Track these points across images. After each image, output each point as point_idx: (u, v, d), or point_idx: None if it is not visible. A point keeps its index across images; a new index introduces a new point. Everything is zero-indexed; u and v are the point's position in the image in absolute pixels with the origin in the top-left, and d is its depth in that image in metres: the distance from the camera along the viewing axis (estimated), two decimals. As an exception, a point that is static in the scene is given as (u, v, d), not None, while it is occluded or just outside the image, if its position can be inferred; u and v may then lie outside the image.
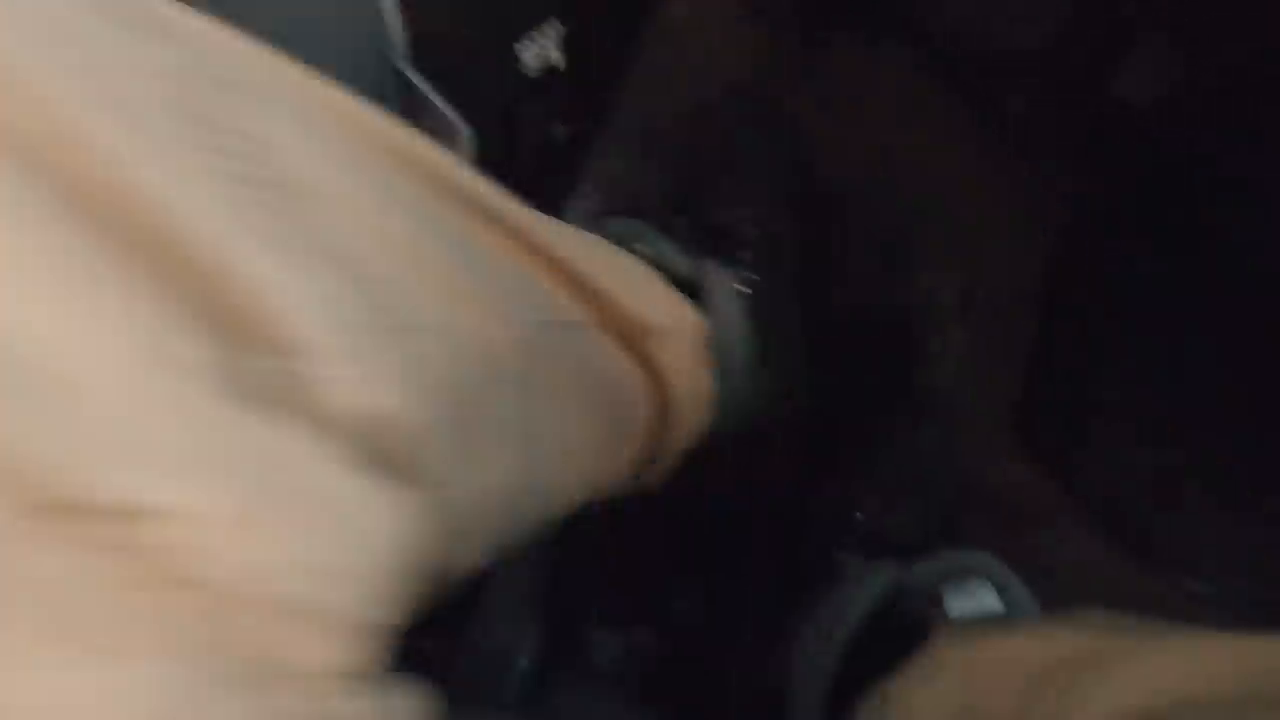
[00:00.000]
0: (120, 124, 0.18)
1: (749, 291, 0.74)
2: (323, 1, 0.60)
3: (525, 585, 0.58)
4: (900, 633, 0.53)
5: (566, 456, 0.39)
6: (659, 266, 0.63)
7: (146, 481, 0.16)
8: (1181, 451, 1.03)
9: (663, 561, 0.73)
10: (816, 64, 1.05)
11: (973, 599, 0.55)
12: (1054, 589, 0.64)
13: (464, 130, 0.68)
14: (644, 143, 1.12)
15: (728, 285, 0.68)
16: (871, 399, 1.04)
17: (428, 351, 0.25)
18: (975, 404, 1.05)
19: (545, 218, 0.44)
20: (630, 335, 0.45)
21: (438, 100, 0.67)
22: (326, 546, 0.18)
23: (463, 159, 0.67)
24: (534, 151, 0.93)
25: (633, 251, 0.62)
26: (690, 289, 0.62)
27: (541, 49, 0.80)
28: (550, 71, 0.85)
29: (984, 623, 0.55)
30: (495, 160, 0.93)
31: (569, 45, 0.84)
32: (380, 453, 0.21)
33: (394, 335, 0.23)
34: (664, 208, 0.99)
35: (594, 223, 0.83)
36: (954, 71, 1.01)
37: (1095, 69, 1.01)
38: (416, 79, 0.66)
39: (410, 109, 0.72)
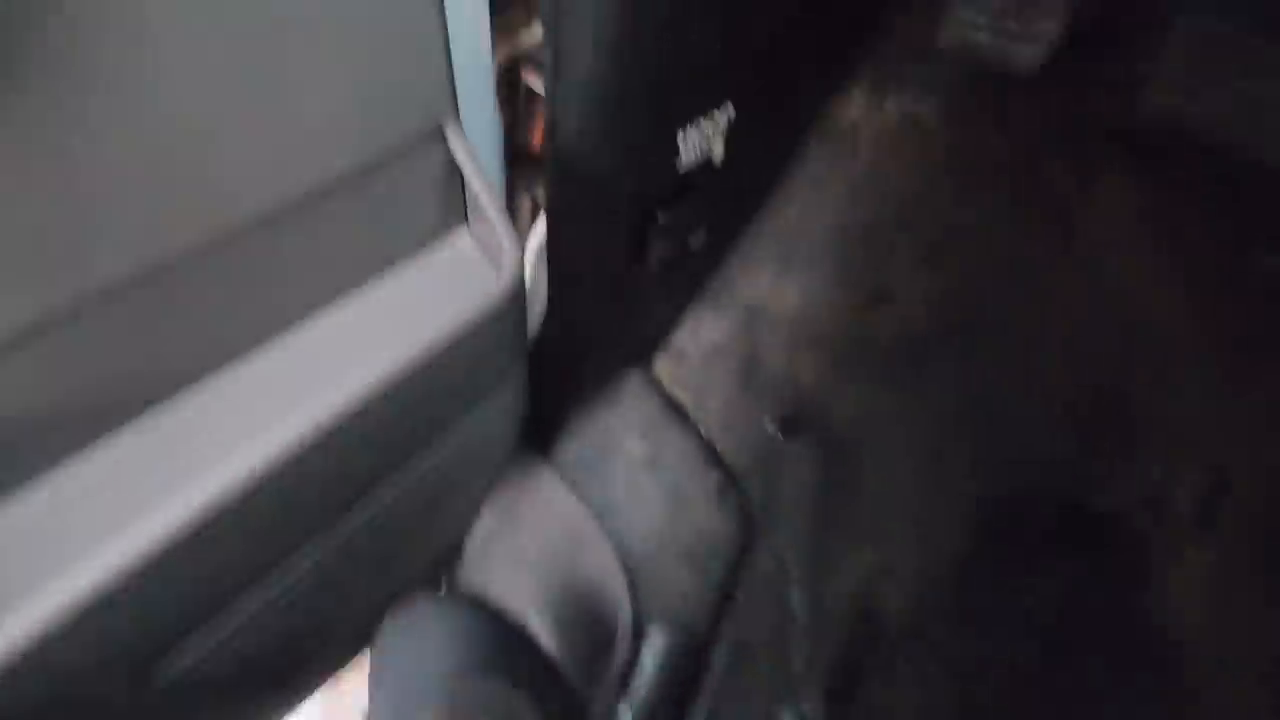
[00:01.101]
0: None
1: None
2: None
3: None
4: None
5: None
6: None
7: None
8: None
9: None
10: (1020, 183, 0.86)
11: None
12: None
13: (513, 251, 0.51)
14: (784, 260, 0.95)
15: None
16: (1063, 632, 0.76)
17: None
18: (1222, 657, 0.76)
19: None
20: None
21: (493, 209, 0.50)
22: None
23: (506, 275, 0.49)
24: (665, 259, 0.76)
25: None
26: None
27: (704, 138, 0.64)
28: (705, 167, 0.68)
29: None
30: (620, 264, 0.78)
31: (734, 136, 0.68)
32: None
33: None
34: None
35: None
36: (1203, 209, 0.80)
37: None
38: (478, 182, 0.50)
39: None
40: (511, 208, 0.94)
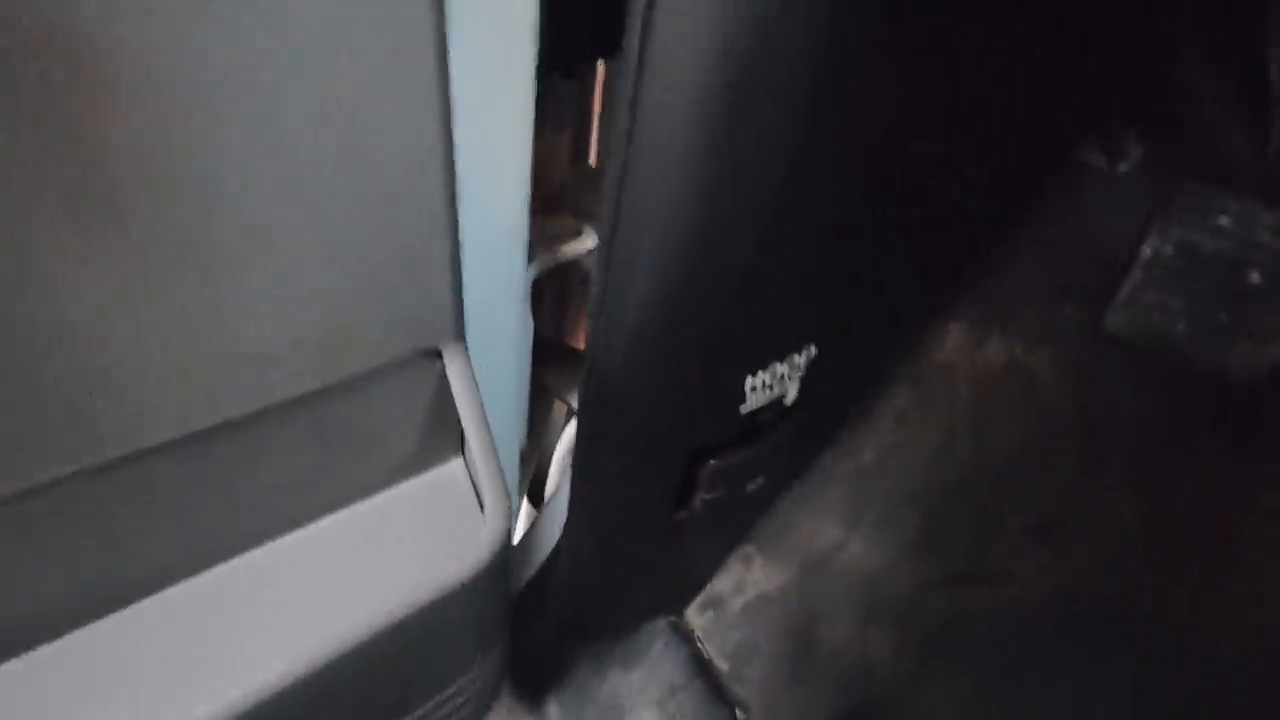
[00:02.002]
0: None
1: None
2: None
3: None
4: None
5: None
6: None
7: None
8: None
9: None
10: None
11: None
12: None
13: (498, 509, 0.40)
14: (856, 510, 0.79)
15: None
16: None
17: None
18: None
19: None
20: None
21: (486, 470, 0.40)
22: None
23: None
24: (714, 508, 0.61)
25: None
26: None
27: (777, 379, 0.52)
28: (774, 407, 0.56)
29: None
30: (657, 507, 0.65)
31: (813, 376, 0.56)
32: None
33: None
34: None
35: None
36: None
37: None
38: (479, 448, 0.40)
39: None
40: (543, 409, 0.83)
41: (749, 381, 0.50)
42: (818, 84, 0.36)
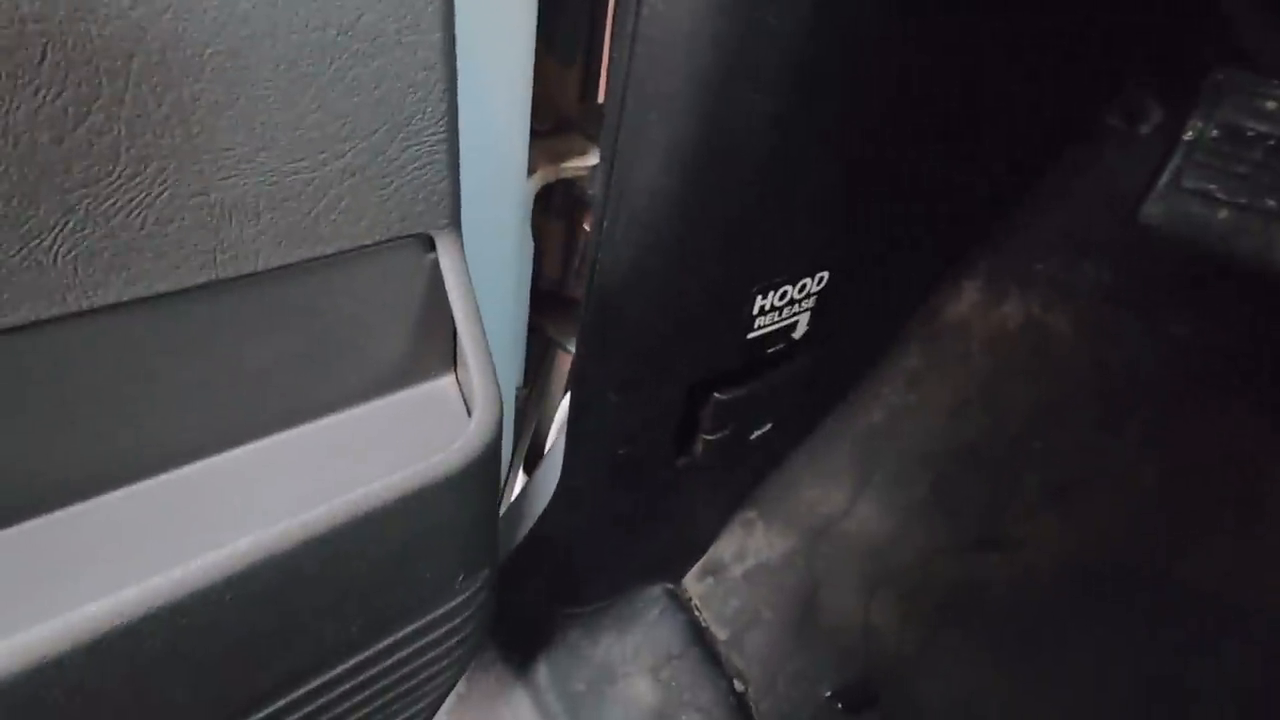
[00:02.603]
0: None
1: None
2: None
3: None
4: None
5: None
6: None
7: None
8: None
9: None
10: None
11: None
12: None
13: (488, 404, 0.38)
14: (864, 473, 0.76)
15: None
16: None
17: None
18: None
19: None
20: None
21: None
22: None
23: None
24: (716, 449, 0.59)
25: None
26: None
27: (787, 305, 0.49)
28: (782, 339, 0.53)
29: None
30: (658, 449, 0.63)
31: (823, 309, 0.53)
32: None
33: None
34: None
35: None
36: None
37: None
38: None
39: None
40: (547, 359, 0.80)
41: (757, 302, 0.48)
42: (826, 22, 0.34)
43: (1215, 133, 0.49)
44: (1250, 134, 0.47)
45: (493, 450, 0.38)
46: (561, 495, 0.64)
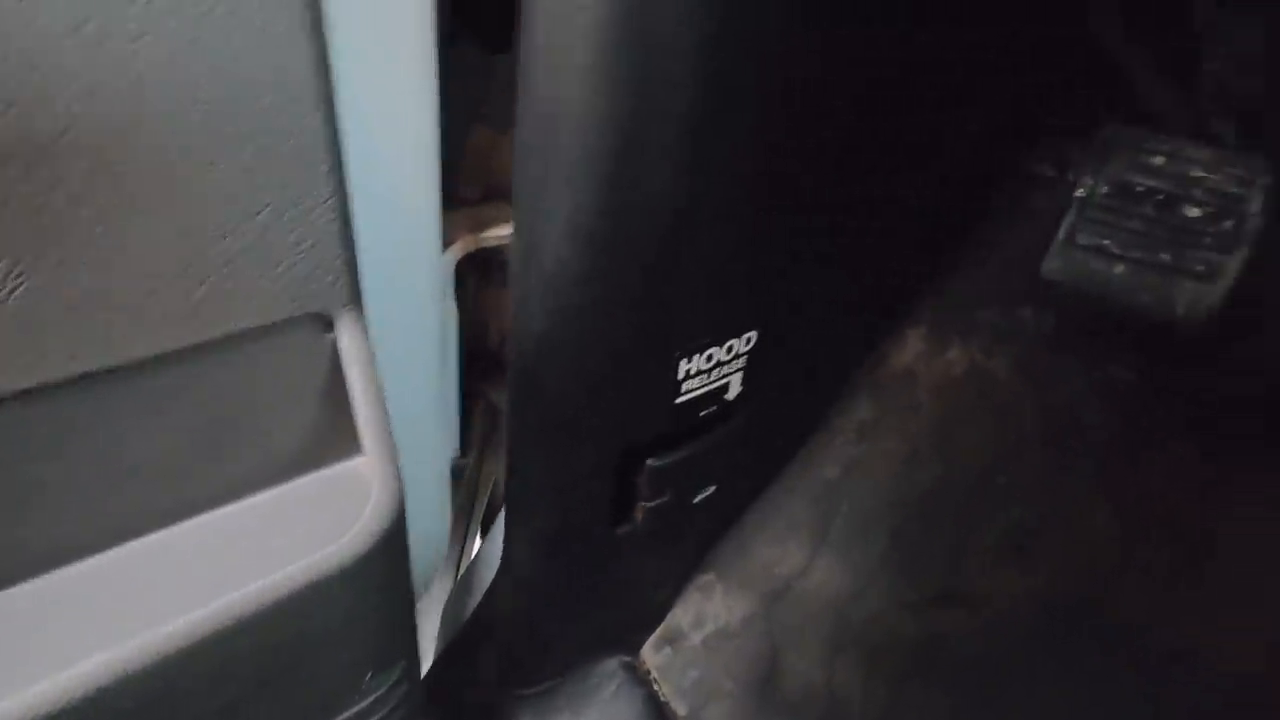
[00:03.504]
0: None
1: None
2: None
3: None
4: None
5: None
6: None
7: None
8: None
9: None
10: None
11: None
12: None
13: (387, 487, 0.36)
14: (819, 530, 0.74)
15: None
16: None
17: None
18: None
19: None
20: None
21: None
22: None
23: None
24: (657, 516, 0.57)
25: None
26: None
27: (717, 367, 0.48)
28: (715, 401, 0.52)
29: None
30: (596, 519, 0.63)
31: (756, 368, 0.52)
32: None
33: None
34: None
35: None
36: None
37: None
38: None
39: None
40: (490, 430, 0.78)
41: (682, 367, 0.47)
42: (733, 57, 0.34)
43: (1106, 189, 0.50)
44: (1140, 189, 0.48)
45: (393, 537, 0.36)
46: (505, 570, 0.61)
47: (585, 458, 0.49)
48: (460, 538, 0.77)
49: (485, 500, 0.86)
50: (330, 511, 0.41)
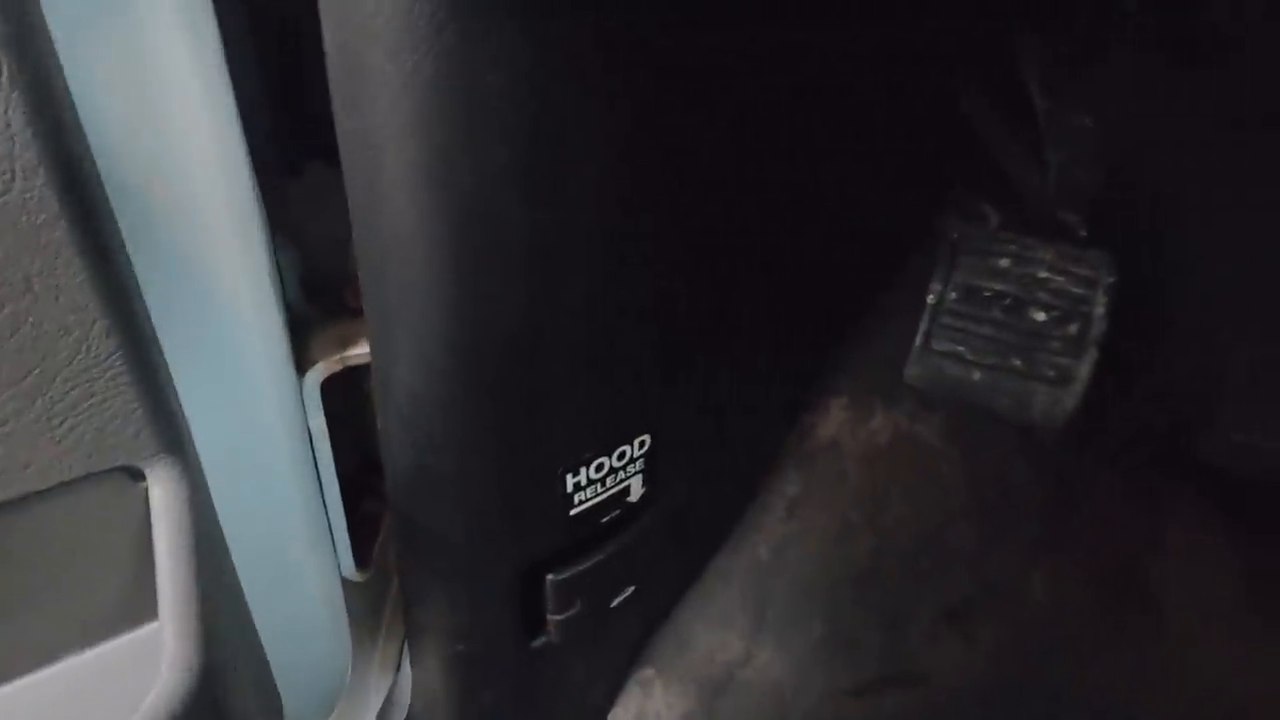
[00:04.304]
0: None
1: None
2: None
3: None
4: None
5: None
6: None
7: None
8: None
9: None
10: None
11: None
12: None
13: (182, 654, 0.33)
14: (757, 613, 0.71)
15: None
16: None
17: None
18: None
19: None
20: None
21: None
22: None
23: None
24: (578, 629, 0.54)
25: None
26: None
27: (610, 474, 0.46)
28: (617, 505, 0.50)
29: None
30: (505, 638, 0.54)
31: (660, 467, 0.50)
32: None
33: None
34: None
35: None
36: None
37: None
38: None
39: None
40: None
41: (569, 481, 0.44)
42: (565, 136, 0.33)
43: (954, 294, 0.50)
44: (988, 294, 0.48)
45: (193, 713, 0.32)
46: (418, 698, 0.57)
47: (480, 582, 0.47)
48: (367, 652, 0.73)
49: (400, 608, 0.81)
50: (124, 687, 0.37)
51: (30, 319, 0.28)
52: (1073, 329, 0.44)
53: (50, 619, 0.37)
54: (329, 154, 0.38)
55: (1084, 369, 0.45)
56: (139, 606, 0.38)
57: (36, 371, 0.29)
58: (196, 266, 0.39)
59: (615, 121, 0.33)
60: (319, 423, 0.46)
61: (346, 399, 0.55)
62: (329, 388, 0.49)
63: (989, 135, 0.55)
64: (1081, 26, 0.48)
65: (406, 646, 0.62)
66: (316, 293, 0.54)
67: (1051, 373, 0.45)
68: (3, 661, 0.35)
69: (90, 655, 0.37)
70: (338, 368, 0.49)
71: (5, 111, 0.26)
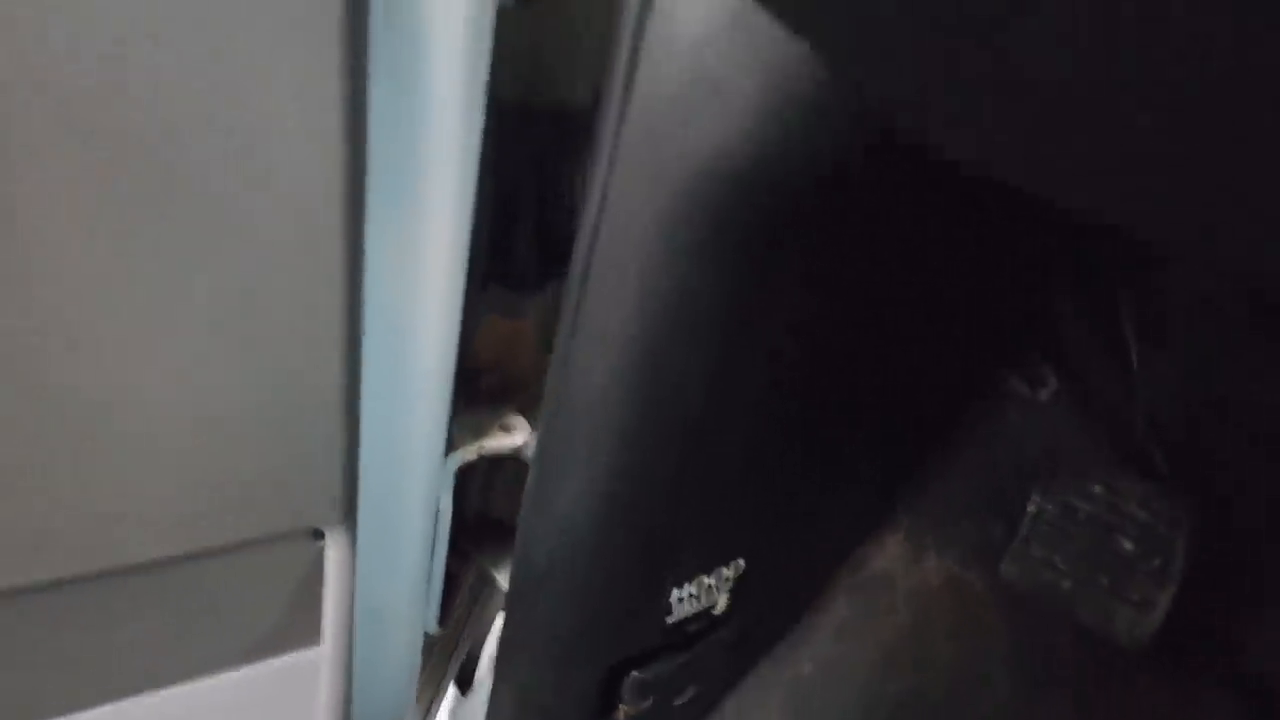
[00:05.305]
0: None
1: None
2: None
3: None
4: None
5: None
6: None
7: None
8: None
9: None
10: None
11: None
12: None
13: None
14: None
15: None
16: None
17: None
18: None
19: None
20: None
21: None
22: None
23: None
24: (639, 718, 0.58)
25: None
26: None
27: (705, 590, 0.52)
28: (702, 617, 0.55)
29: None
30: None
31: (743, 587, 0.56)
32: None
33: None
34: None
35: None
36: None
37: None
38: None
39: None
40: (481, 594, 0.80)
41: (675, 593, 0.50)
42: (741, 316, 0.40)
43: (1052, 507, 0.56)
44: (1081, 514, 0.54)
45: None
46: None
47: (572, 669, 0.52)
48: (424, 708, 0.77)
49: (455, 670, 0.86)
50: (284, 698, 0.43)
51: (289, 369, 0.34)
52: (1156, 562, 0.49)
53: (235, 634, 0.42)
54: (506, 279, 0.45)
55: (1164, 598, 0.50)
56: (303, 634, 0.44)
57: (276, 429, 0.35)
58: (401, 368, 0.46)
59: (791, 332, 0.40)
60: (447, 501, 0.53)
61: (464, 476, 0.61)
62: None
63: (1079, 352, 0.61)
64: (1179, 282, 0.55)
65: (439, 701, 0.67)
66: (460, 382, 0.61)
67: (1135, 596, 0.50)
68: (198, 661, 0.41)
69: (264, 666, 0.43)
70: (474, 455, 0.56)
71: None
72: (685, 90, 0.29)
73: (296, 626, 0.43)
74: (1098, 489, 0.51)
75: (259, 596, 0.41)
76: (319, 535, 0.42)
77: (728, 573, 0.53)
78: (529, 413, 0.62)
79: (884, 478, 0.73)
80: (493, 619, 0.86)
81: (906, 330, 0.60)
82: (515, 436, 0.56)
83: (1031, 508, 0.56)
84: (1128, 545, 0.50)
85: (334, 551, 0.42)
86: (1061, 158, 0.22)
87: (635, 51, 0.29)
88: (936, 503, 0.76)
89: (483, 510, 0.65)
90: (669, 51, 0.28)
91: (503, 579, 0.73)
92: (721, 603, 0.55)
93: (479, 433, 0.58)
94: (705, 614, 0.55)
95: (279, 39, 0.27)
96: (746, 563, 0.54)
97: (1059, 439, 0.74)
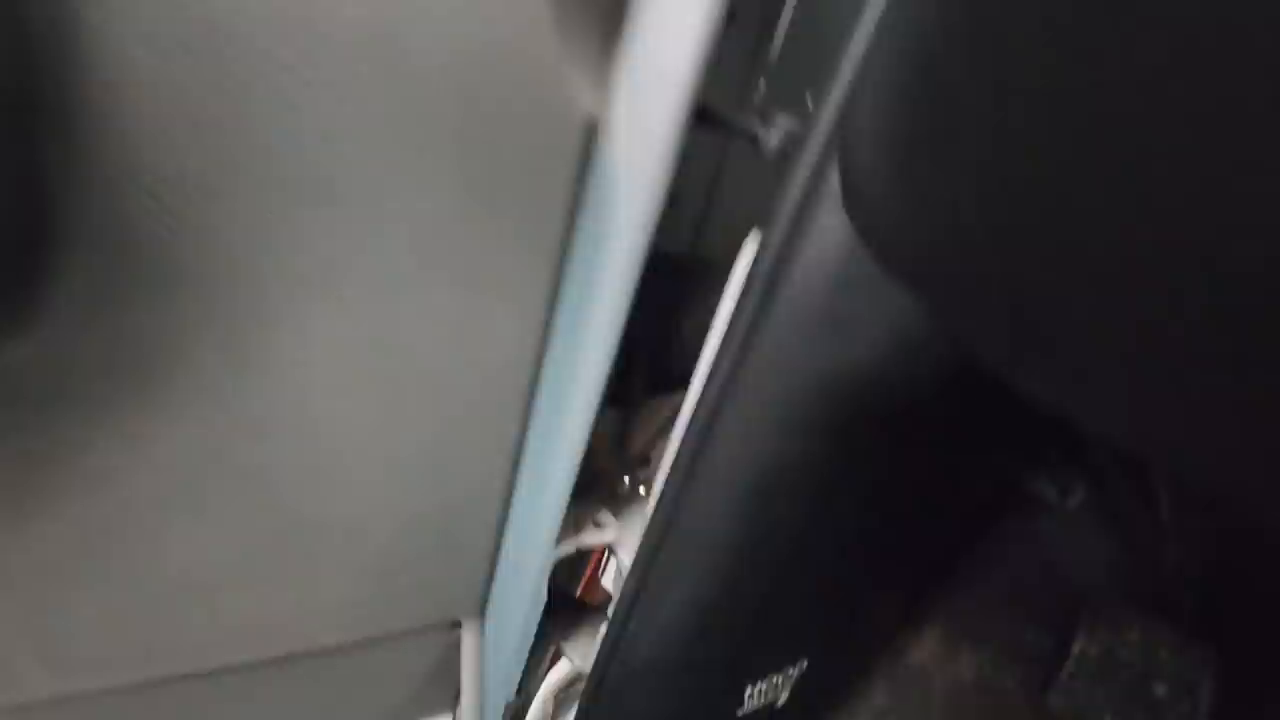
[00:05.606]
0: None
1: None
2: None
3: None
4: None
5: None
6: None
7: None
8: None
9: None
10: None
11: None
12: None
13: None
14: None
15: None
16: None
17: None
18: None
19: None
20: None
21: None
22: None
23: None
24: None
25: None
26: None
27: (772, 688, 0.58)
28: (765, 711, 0.61)
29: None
30: None
31: (803, 682, 0.61)
32: None
33: None
34: None
35: None
36: None
37: None
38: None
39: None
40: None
41: (748, 688, 0.56)
42: (833, 474, 0.47)
43: (1095, 650, 0.61)
44: (1120, 658, 0.60)
45: None
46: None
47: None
48: None
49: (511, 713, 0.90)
50: None
51: (455, 480, 0.41)
52: (1185, 706, 0.55)
53: (380, 702, 0.48)
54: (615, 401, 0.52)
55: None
56: (437, 704, 0.50)
57: (437, 565, 0.42)
58: (543, 479, 0.52)
59: (868, 484, 0.47)
60: (542, 592, 0.59)
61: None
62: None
63: (1109, 476, 0.67)
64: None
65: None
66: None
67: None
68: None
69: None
70: (571, 550, 0.62)
71: None
72: (813, 324, 0.36)
73: (429, 701, 0.49)
74: (1134, 635, 0.57)
75: (400, 675, 0.47)
76: (457, 624, 0.48)
77: (793, 670, 0.58)
78: (609, 508, 0.68)
79: (922, 581, 0.78)
80: (549, 698, 0.91)
81: (951, 459, 0.67)
82: (606, 533, 0.63)
83: (1077, 648, 0.62)
84: (1160, 690, 0.55)
85: (468, 637, 0.48)
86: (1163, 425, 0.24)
87: (772, 284, 0.36)
88: (972, 602, 0.81)
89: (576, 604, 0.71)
90: (805, 289, 0.35)
91: (574, 655, 0.79)
92: (784, 697, 0.61)
93: (577, 528, 0.64)
94: (770, 706, 0.60)
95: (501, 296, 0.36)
96: (808, 661, 0.59)
97: (1087, 550, 0.80)
